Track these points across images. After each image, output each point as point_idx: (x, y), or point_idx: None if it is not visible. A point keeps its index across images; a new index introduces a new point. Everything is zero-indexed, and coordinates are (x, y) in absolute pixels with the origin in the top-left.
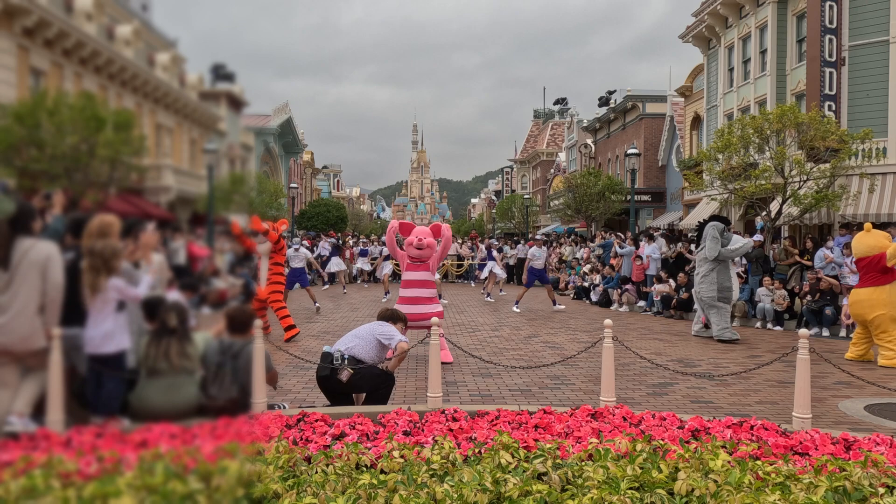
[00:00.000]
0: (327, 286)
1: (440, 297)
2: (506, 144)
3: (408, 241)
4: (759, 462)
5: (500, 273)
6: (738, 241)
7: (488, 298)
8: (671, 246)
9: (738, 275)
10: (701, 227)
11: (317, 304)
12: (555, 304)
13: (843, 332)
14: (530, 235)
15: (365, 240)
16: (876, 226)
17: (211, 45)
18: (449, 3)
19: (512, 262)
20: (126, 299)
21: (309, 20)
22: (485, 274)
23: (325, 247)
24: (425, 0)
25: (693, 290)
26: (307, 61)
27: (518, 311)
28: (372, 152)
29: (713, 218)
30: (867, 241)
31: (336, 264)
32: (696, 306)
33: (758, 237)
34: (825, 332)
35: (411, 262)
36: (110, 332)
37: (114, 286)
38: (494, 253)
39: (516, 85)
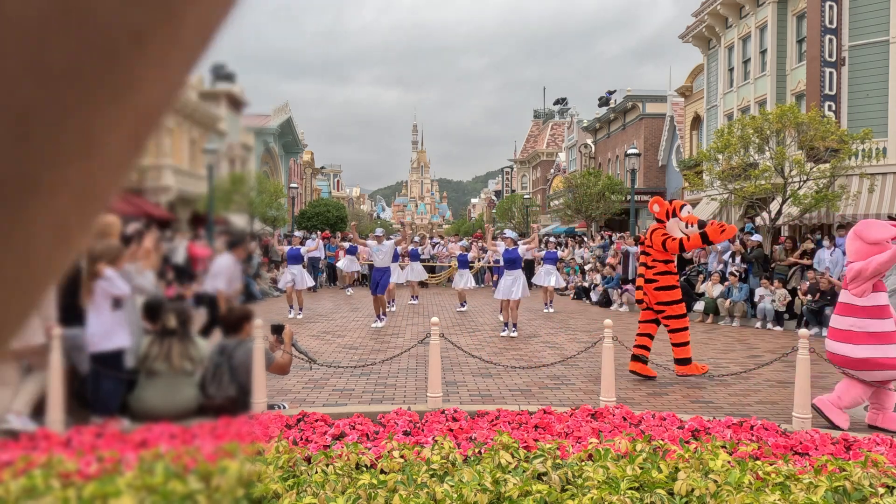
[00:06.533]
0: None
1: (463, 303)
2: (506, 144)
3: (879, 238)
4: (759, 462)
5: (560, 281)
6: None
7: (547, 309)
8: None
9: (733, 274)
10: None
11: (297, 312)
12: (462, 304)
13: None
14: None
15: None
16: None
17: (222, 47)
18: (458, 8)
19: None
20: (114, 295)
21: (320, 24)
22: (543, 281)
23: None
24: (435, 4)
25: None
26: (317, 63)
27: (465, 309)
28: (375, 153)
29: None
30: None
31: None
32: None
33: (757, 237)
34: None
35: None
36: (107, 329)
37: (101, 286)
38: (559, 253)
39: (522, 87)
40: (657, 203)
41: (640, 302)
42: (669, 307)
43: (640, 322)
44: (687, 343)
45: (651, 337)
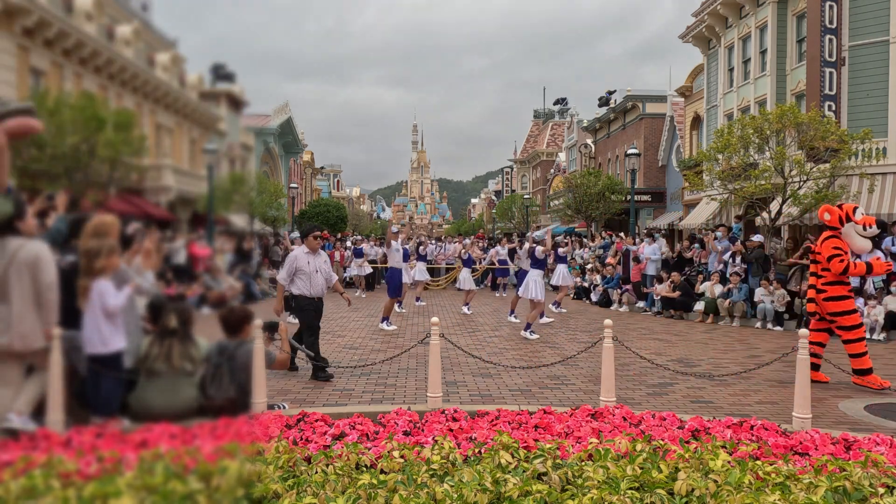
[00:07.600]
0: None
1: (475, 306)
2: (506, 144)
3: None
4: (759, 462)
5: (570, 279)
6: None
7: (560, 309)
8: (669, 246)
9: (736, 273)
10: None
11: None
12: (467, 307)
13: None
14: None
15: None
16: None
17: (224, 48)
18: (459, 9)
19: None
20: (104, 309)
21: (321, 24)
22: (557, 280)
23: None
24: (436, 5)
25: None
26: (317, 64)
27: (469, 311)
28: (375, 153)
29: None
30: None
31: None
32: None
33: (758, 237)
34: None
35: None
36: (106, 332)
37: (97, 291)
38: (561, 251)
39: (523, 87)
40: (827, 211)
41: (812, 314)
42: (841, 317)
43: (810, 330)
44: (864, 353)
45: (822, 345)
